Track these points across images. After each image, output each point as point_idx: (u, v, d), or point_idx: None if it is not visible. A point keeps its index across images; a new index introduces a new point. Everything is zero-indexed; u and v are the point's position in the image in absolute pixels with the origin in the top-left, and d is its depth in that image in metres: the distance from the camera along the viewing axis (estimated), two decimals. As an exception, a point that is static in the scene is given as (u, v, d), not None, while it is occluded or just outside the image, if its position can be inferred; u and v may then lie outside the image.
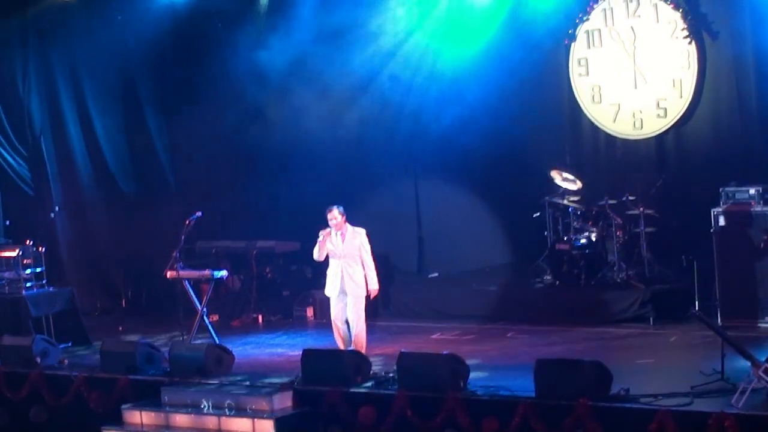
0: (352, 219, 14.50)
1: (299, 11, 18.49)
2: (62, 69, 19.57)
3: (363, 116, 18.79)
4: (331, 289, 14.39)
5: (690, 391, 11.81)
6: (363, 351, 14.18)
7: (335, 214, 14.22)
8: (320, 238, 14.28)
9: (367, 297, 14.43)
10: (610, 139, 17.82)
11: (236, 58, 18.88)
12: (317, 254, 14.42)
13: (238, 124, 19.41)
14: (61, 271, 19.11)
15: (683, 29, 16.93)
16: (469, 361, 12.94)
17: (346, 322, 14.34)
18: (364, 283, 14.32)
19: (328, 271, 14.43)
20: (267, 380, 13.78)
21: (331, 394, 12.96)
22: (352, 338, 14.33)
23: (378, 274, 14.46)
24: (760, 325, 14.85)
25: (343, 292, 14.27)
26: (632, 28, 17.46)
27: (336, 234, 14.28)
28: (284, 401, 13.19)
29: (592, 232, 16.71)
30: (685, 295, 15.57)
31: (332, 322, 14.48)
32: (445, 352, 13.07)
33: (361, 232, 14.35)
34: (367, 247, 14.31)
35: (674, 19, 17.03)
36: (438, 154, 18.80)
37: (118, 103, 19.79)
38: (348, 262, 14.23)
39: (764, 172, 15.75)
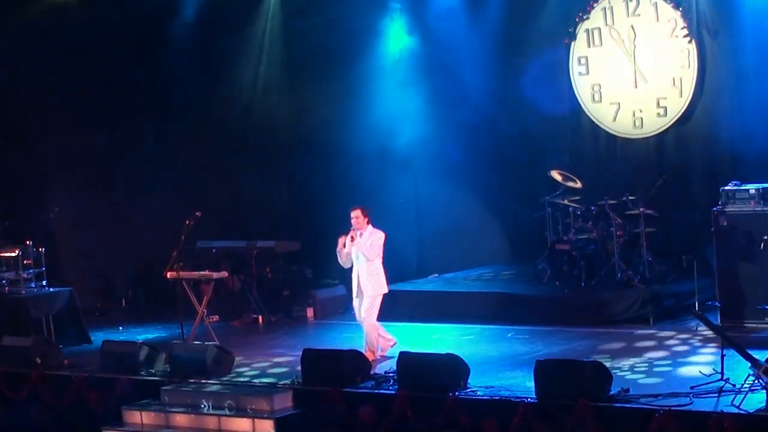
0: (352, 218, 14.52)
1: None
2: (60, 65, 19.53)
3: (363, 116, 18.77)
4: (353, 290, 14.52)
5: (690, 391, 11.81)
6: (374, 349, 14.31)
7: (357, 213, 14.30)
8: (338, 247, 14.35)
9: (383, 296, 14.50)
10: (611, 138, 17.81)
11: (238, 59, 18.89)
12: (340, 261, 14.51)
13: (239, 125, 19.40)
14: (61, 271, 19.09)
15: (683, 28, 16.94)
16: (469, 361, 12.94)
17: None
18: (381, 283, 14.38)
19: (352, 272, 14.52)
20: (267, 380, 13.79)
21: (331, 394, 12.95)
22: (365, 336, 14.43)
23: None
24: (760, 325, 14.83)
25: (360, 292, 14.40)
26: (632, 26, 17.46)
27: (358, 234, 14.34)
28: (284, 401, 13.19)
29: (592, 232, 16.70)
30: (685, 295, 15.57)
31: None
32: (445, 352, 13.06)
33: (379, 235, 14.37)
34: (378, 249, 14.31)
35: (674, 17, 17.03)
36: (438, 154, 18.78)
37: (117, 102, 19.75)
38: (363, 261, 14.31)
39: (764, 172, 15.73)
